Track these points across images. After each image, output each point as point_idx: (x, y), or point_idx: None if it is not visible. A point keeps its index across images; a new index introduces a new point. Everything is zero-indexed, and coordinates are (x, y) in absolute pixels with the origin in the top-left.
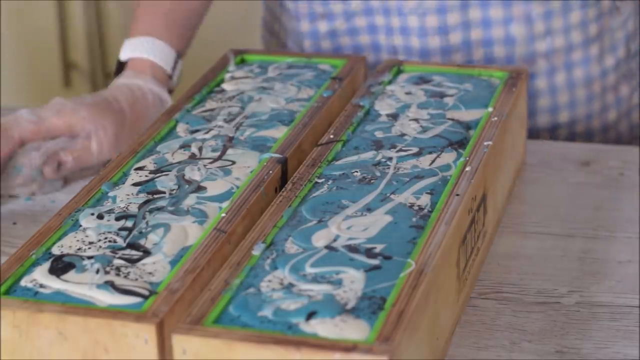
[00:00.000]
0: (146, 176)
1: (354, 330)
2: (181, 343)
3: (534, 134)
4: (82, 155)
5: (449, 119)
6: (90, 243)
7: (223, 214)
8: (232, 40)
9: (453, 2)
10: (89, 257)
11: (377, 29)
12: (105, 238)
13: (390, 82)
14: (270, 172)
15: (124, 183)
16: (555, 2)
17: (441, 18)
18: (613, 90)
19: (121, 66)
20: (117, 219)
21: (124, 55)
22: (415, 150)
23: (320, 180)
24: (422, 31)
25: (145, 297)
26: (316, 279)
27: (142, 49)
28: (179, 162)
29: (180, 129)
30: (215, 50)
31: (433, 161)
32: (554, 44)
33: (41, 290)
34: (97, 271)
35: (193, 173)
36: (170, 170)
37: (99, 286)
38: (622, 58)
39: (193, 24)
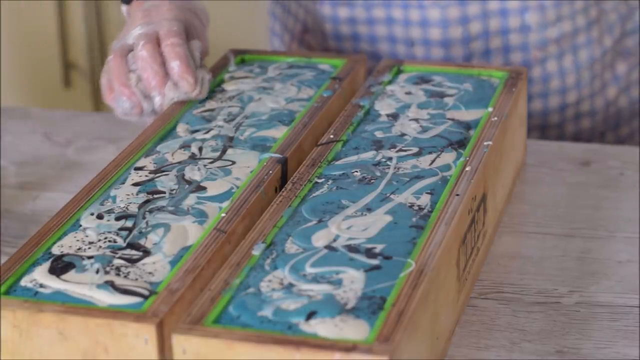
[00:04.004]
0: (146, 176)
1: (353, 330)
2: (181, 343)
3: (545, 115)
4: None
5: (449, 119)
6: (90, 243)
7: (223, 214)
8: (232, 40)
9: None
10: (89, 257)
11: (394, 21)
12: (105, 238)
13: (390, 82)
14: (270, 172)
15: (124, 183)
16: None
17: (462, 9)
18: (610, 68)
19: None
20: (117, 218)
21: None
22: (415, 150)
23: (320, 180)
24: (444, 22)
25: (145, 297)
26: (316, 279)
27: None
28: (179, 162)
29: (180, 129)
30: (215, 50)
31: (433, 161)
32: (563, 29)
33: (41, 290)
34: (97, 271)
35: (193, 173)
36: (170, 170)
37: (99, 286)
38: (618, 37)
39: None
